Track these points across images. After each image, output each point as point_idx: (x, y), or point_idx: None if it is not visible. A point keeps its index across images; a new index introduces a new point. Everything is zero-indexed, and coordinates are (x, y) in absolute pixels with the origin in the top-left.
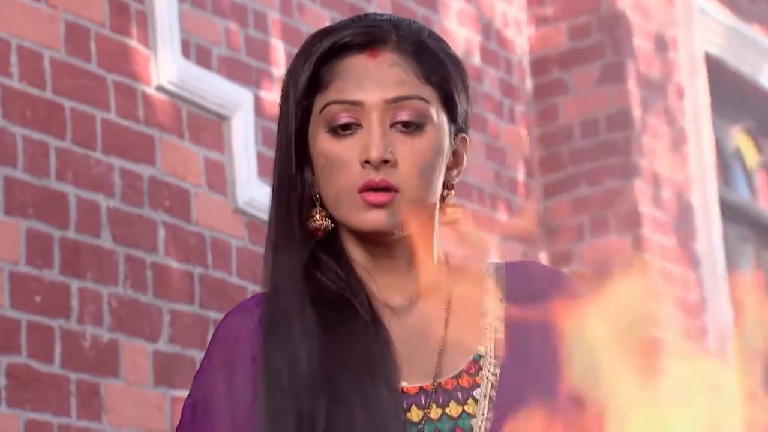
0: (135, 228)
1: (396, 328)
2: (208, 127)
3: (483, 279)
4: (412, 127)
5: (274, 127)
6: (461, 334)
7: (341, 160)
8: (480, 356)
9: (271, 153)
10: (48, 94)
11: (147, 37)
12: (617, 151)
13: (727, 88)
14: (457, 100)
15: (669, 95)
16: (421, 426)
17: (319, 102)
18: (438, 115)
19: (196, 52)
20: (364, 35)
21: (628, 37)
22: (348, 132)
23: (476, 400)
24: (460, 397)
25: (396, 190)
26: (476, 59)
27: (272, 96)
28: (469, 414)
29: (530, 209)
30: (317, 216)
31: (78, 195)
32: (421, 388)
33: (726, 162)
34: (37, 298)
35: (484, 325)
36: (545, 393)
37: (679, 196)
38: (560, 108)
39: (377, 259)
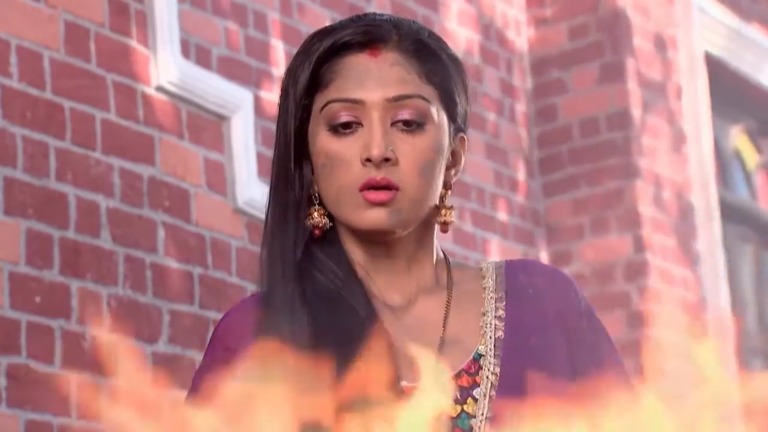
0: (135, 228)
1: (395, 327)
2: (208, 127)
3: (483, 278)
4: (413, 125)
5: (274, 127)
6: (461, 333)
7: (342, 159)
8: (480, 355)
9: (271, 153)
10: (48, 94)
11: (147, 37)
12: (617, 151)
13: (727, 88)
14: (457, 99)
15: (669, 95)
16: None
17: (320, 101)
18: (438, 115)
19: (195, 52)
20: (365, 34)
21: (627, 37)
22: (349, 131)
23: (476, 400)
24: (460, 397)
25: (397, 189)
26: (476, 59)
27: (272, 96)
28: (468, 414)
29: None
30: (316, 214)
31: (78, 195)
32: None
33: (726, 162)
34: (37, 299)
35: (483, 325)
36: (545, 392)
37: (679, 196)
38: (560, 108)
39: (376, 258)
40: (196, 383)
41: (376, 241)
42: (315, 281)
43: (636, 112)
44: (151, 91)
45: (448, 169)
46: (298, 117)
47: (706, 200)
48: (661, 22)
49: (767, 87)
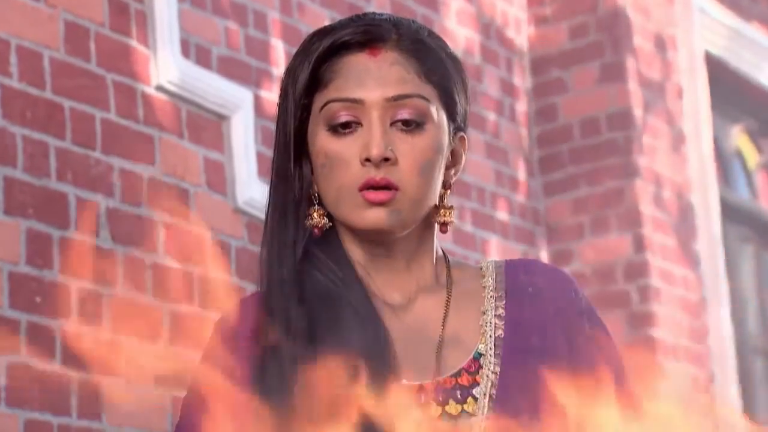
0: (135, 228)
1: (395, 326)
2: (208, 126)
3: (482, 277)
4: (413, 125)
5: (274, 126)
6: (461, 332)
7: (341, 159)
8: (480, 354)
9: (271, 153)
10: (48, 94)
11: (147, 36)
12: (617, 150)
13: (727, 88)
14: (457, 99)
15: (669, 95)
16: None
17: (319, 100)
18: (438, 114)
19: (195, 51)
20: (364, 34)
21: (627, 37)
22: (348, 130)
23: (476, 399)
24: (460, 396)
25: (396, 189)
26: (476, 58)
27: (272, 96)
28: (468, 413)
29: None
30: (315, 214)
31: (78, 195)
32: (420, 386)
33: (726, 162)
34: (37, 298)
35: (483, 324)
36: (545, 391)
37: (679, 196)
38: (560, 107)
39: (376, 257)
40: (196, 383)
41: (376, 240)
42: (314, 281)
43: (636, 111)
44: (151, 90)
45: (447, 168)
46: (298, 117)
47: (706, 200)
48: (661, 22)
49: (767, 87)
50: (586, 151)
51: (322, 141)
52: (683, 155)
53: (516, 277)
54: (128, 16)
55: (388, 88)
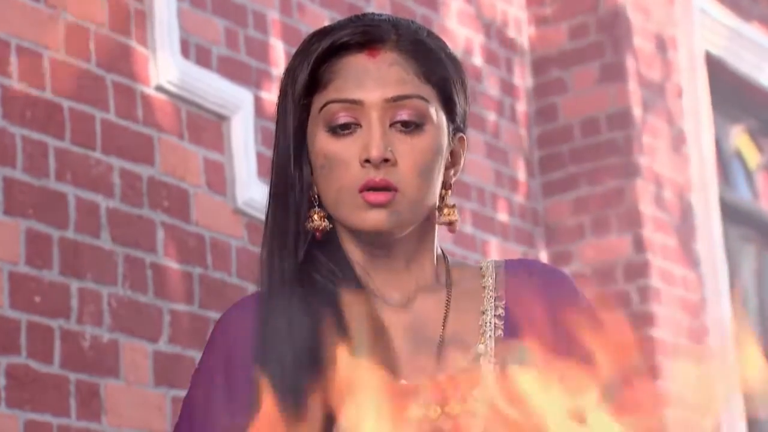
0: (134, 228)
1: (394, 326)
2: (208, 127)
3: (482, 277)
4: (412, 126)
5: (274, 127)
6: (460, 332)
7: (340, 160)
8: (480, 354)
9: (271, 153)
10: (47, 94)
11: (146, 37)
12: (617, 150)
13: (727, 88)
14: (456, 99)
15: (669, 95)
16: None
17: (318, 101)
18: (437, 115)
19: (195, 52)
20: (363, 34)
21: (627, 37)
22: (347, 131)
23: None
24: (460, 396)
25: (396, 190)
26: (476, 58)
27: (272, 96)
28: (468, 413)
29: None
30: (315, 217)
31: (77, 195)
32: (420, 386)
33: (726, 162)
34: (37, 298)
35: (483, 323)
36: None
37: (679, 196)
38: (560, 107)
39: (375, 258)
40: (195, 383)
41: (376, 241)
42: (314, 281)
43: (636, 111)
44: (150, 91)
45: (447, 169)
46: (297, 117)
47: (706, 200)
48: (661, 22)
49: (767, 87)
50: (586, 151)
51: (321, 142)
52: (683, 155)
53: (516, 277)
54: (128, 16)
55: (388, 88)
